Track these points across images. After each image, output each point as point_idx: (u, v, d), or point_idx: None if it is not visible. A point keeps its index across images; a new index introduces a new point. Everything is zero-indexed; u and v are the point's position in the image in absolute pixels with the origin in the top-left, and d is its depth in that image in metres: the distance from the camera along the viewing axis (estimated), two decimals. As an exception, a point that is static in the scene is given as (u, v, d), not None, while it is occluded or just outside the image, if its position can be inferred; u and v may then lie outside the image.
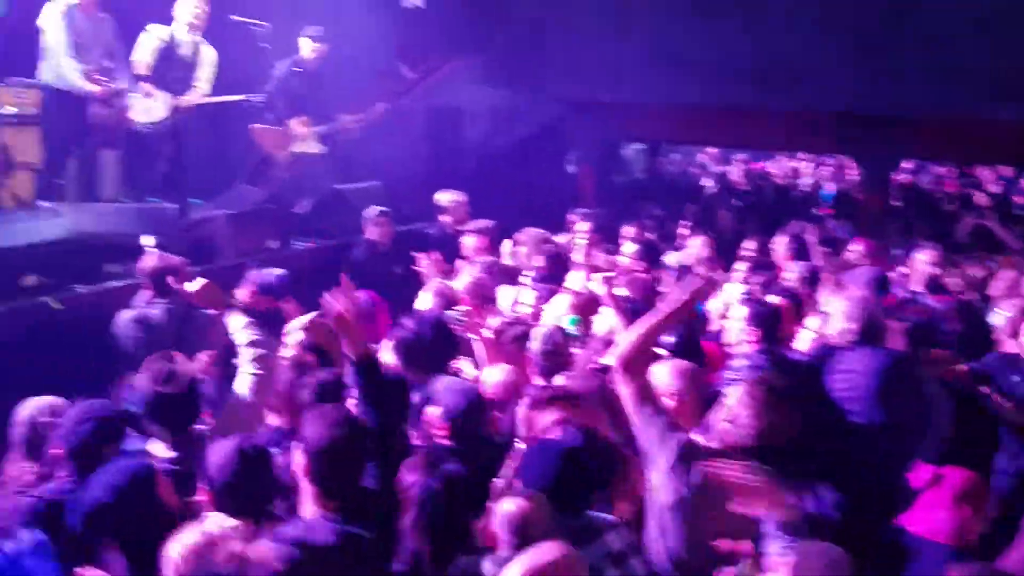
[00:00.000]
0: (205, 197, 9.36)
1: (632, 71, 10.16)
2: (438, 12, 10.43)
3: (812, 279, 6.13)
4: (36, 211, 6.25)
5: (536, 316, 5.74)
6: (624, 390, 3.53)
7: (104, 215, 6.62)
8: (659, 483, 3.44)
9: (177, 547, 2.78)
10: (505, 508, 3.19)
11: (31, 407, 3.94)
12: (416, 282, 6.44)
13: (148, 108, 7.71)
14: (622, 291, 5.44)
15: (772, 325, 4.93)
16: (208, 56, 7.94)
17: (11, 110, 8.66)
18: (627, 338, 3.62)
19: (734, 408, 3.41)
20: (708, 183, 13.54)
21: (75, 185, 8.05)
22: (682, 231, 8.30)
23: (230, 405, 4.08)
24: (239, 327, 4.19)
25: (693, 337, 4.92)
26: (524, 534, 3.10)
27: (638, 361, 3.56)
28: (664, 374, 3.93)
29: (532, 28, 10.74)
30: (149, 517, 3.05)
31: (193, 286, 4.42)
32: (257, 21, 8.18)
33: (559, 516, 3.22)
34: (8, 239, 5.64)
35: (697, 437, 3.59)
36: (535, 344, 4.69)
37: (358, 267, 6.95)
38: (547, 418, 3.76)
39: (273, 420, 4.12)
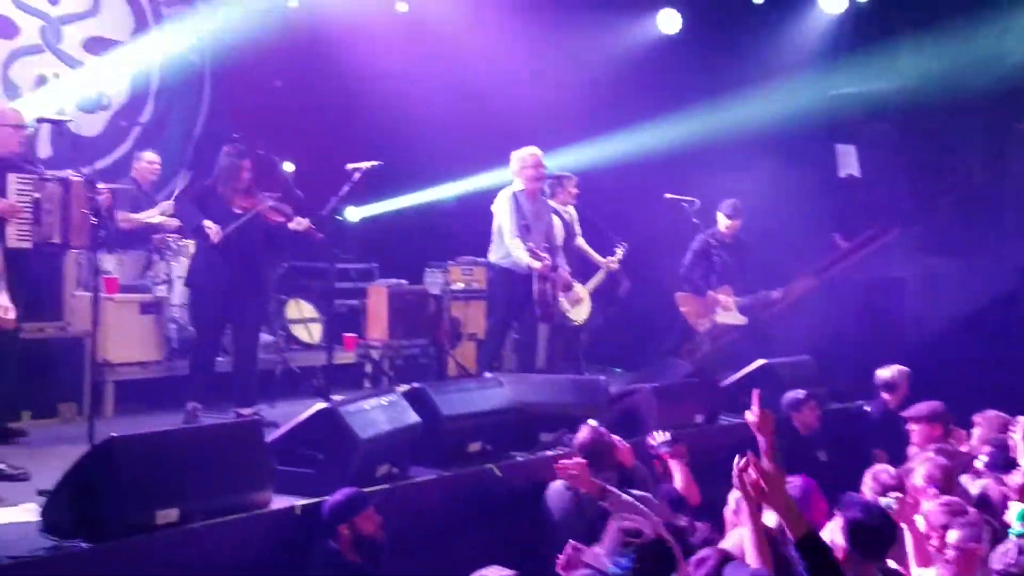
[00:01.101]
0: (624, 366, 9.60)
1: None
2: (876, 179, 10.10)
3: None
4: (481, 380, 6.60)
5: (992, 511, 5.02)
6: None
7: (540, 385, 6.84)
8: None
9: None
10: None
11: None
12: (848, 467, 5.95)
13: (578, 306, 8.26)
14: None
15: None
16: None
17: (459, 285, 9.55)
18: None
19: None
20: None
21: (514, 356, 8.55)
22: None
23: None
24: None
25: None
26: None
27: None
28: None
29: (983, 192, 10.00)
30: None
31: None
32: (688, 198, 8.51)
33: None
34: (458, 407, 5.97)
35: None
36: (994, 561, 4.01)
37: (784, 449, 6.60)
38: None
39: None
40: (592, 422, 5.66)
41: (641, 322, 10.23)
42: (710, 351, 8.96)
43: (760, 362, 8.22)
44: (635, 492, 5.37)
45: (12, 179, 5.86)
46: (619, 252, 8.73)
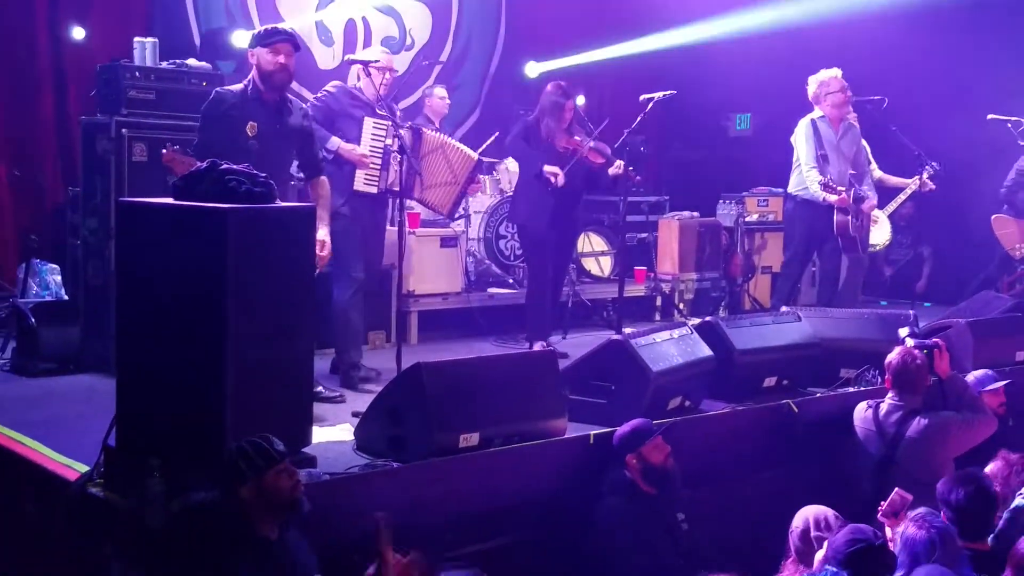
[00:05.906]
0: (936, 300, 8.99)
1: None
2: None
3: None
4: (777, 315, 6.39)
5: None
6: None
7: (842, 320, 6.51)
8: None
9: None
10: None
11: (805, 517, 4.00)
12: None
13: (876, 229, 7.73)
14: None
15: None
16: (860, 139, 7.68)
17: (754, 217, 9.28)
18: None
19: None
20: None
21: (814, 290, 8.24)
22: None
23: None
24: None
25: None
26: None
27: None
28: None
29: None
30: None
31: None
32: (1013, 118, 7.80)
33: None
34: (752, 341, 5.81)
35: None
36: None
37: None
38: None
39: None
40: (910, 341, 5.32)
41: (956, 255, 9.49)
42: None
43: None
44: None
45: (368, 123, 5.93)
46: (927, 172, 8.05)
